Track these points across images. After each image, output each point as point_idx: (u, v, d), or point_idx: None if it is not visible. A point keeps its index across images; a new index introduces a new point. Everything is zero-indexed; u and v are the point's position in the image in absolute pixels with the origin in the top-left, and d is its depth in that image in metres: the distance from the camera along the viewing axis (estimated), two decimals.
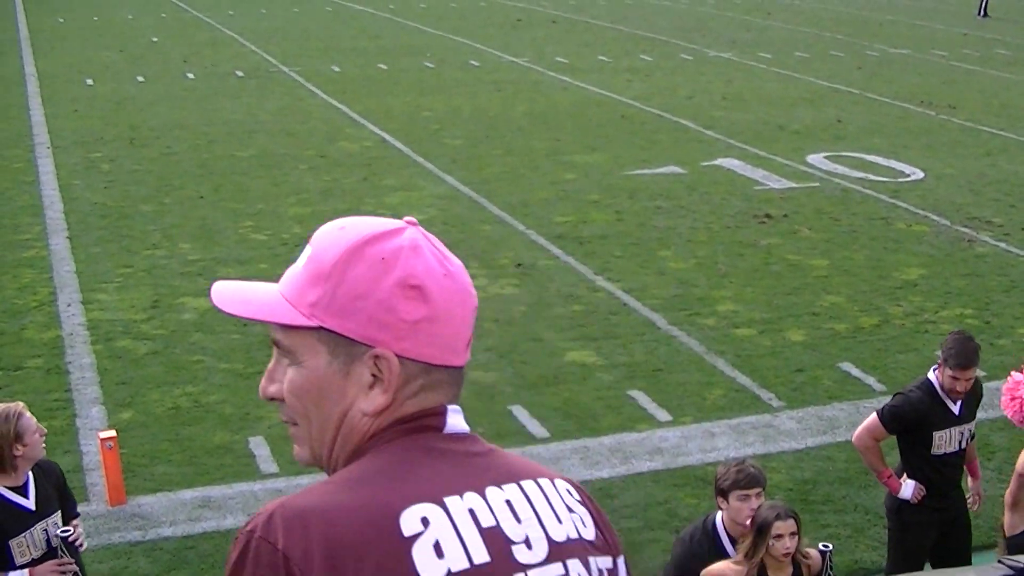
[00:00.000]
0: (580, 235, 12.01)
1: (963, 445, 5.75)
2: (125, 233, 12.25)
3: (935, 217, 12.83)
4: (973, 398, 5.78)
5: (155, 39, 27.49)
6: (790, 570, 4.86)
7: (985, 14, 34.05)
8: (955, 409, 5.69)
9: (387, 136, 16.73)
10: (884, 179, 14.44)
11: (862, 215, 12.89)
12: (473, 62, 23.60)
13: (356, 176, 14.49)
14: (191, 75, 22.15)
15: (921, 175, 14.68)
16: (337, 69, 22.70)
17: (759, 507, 4.87)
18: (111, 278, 10.84)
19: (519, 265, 11.06)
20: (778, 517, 4.75)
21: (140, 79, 21.77)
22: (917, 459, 5.76)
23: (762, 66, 23.44)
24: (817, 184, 14.18)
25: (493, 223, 12.54)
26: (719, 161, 15.19)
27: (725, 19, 32.40)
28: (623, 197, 13.47)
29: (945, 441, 5.68)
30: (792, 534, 4.74)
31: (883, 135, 17.07)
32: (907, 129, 17.67)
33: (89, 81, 21.60)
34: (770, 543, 4.75)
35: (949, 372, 5.60)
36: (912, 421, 5.68)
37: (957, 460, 5.77)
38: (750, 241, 11.87)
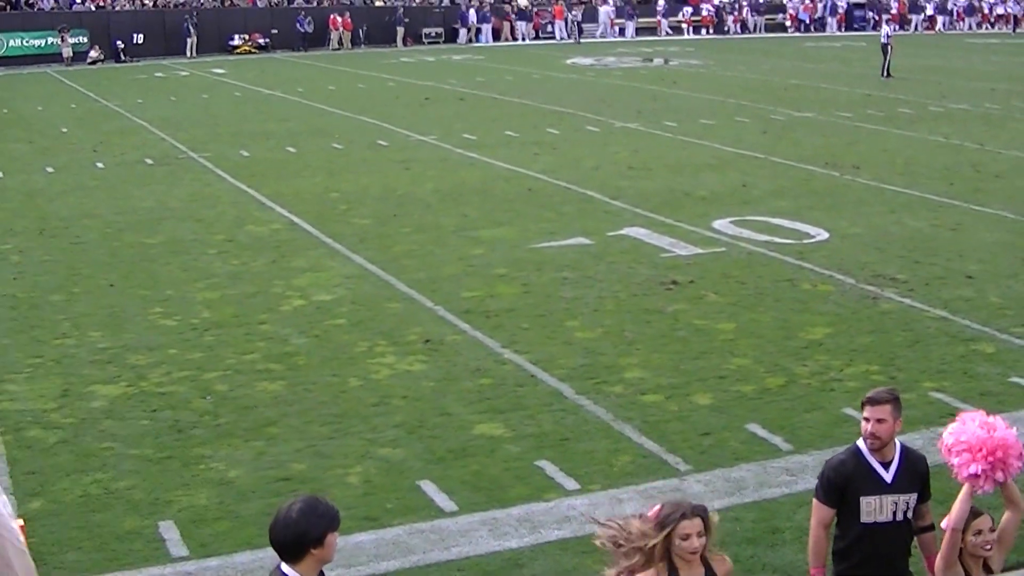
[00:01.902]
0: (487, 309, 12.01)
1: (899, 517, 5.47)
2: (35, 323, 12.11)
3: (840, 276, 12.98)
4: (913, 470, 5.52)
5: (64, 129, 27.34)
6: (701, 570, 4.77)
7: (888, 75, 34.71)
8: (887, 476, 5.46)
9: (295, 218, 16.69)
10: (789, 241, 14.61)
11: (768, 277, 13.01)
12: (381, 142, 23.67)
13: (265, 259, 14.42)
14: (100, 164, 22.01)
15: (826, 235, 14.87)
16: (246, 154, 22.67)
17: (663, 506, 4.78)
18: (20, 368, 10.70)
19: (427, 341, 11.04)
20: (683, 516, 4.67)
21: (49, 169, 21.60)
22: (846, 529, 5.54)
23: (668, 135, 23.72)
24: (723, 249, 14.31)
25: (401, 300, 12.52)
26: (625, 230, 15.29)
27: (631, 90, 32.76)
28: (530, 269, 13.51)
29: (875, 508, 5.44)
30: (699, 534, 4.65)
31: (788, 197, 17.30)
32: (812, 190, 17.92)
33: None
34: (676, 543, 4.66)
35: (862, 416, 5.46)
36: (838, 485, 5.47)
37: (894, 533, 5.50)
38: (657, 308, 11.93)
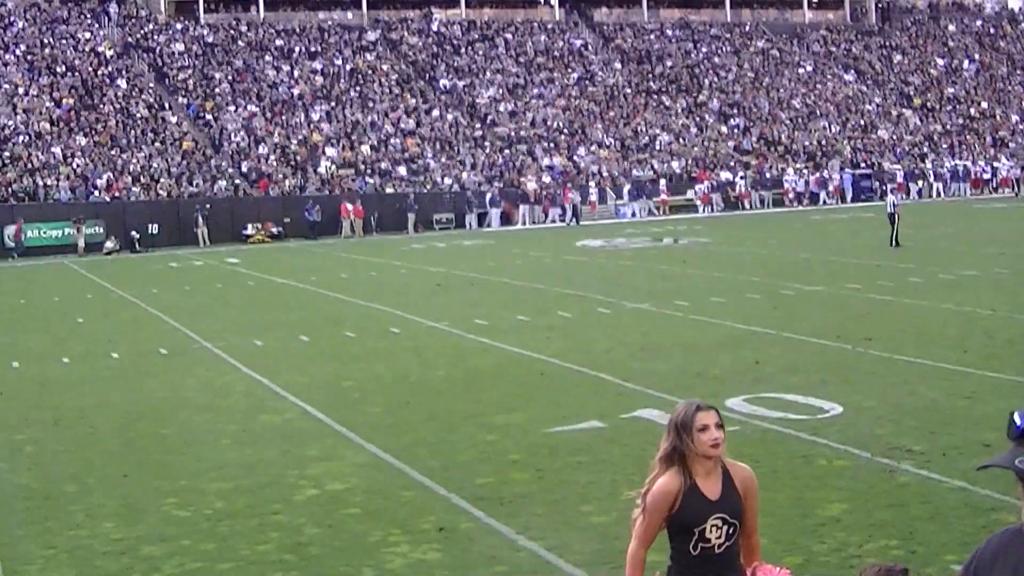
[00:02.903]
0: (501, 495, 11.94)
1: None
2: (48, 514, 12.06)
3: (855, 451, 12.90)
4: None
5: (80, 320, 27.62)
6: (719, 475, 4.56)
7: (897, 244, 35.00)
8: None
9: (309, 407, 16.71)
10: (803, 417, 14.57)
11: (782, 455, 12.94)
12: (393, 329, 23.79)
13: (278, 448, 14.40)
14: (115, 355, 22.17)
15: (840, 410, 14.82)
16: (259, 343, 22.80)
17: (675, 410, 4.63)
18: (34, 559, 10.63)
19: (441, 529, 10.96)
20: (698, 408, 4.50)
21: (65, 360, 21.77)
22: None
23: (679, 314, 23.83)
24: (737, 427, 14.23)
25: (415, 488, 12.45)
26: (638, 412, 15.26)
27: (642, 271, 33.03)
28: (544, 455, 13.46)
29: None
30: (717, 425, 4.48)
31: (801, 373, 17.29)
32: (825, 364, 17.92)
33: (15, 364, 21.60)
34: (697, 439, 4.44)
35: None
36: None
37: None
38: None
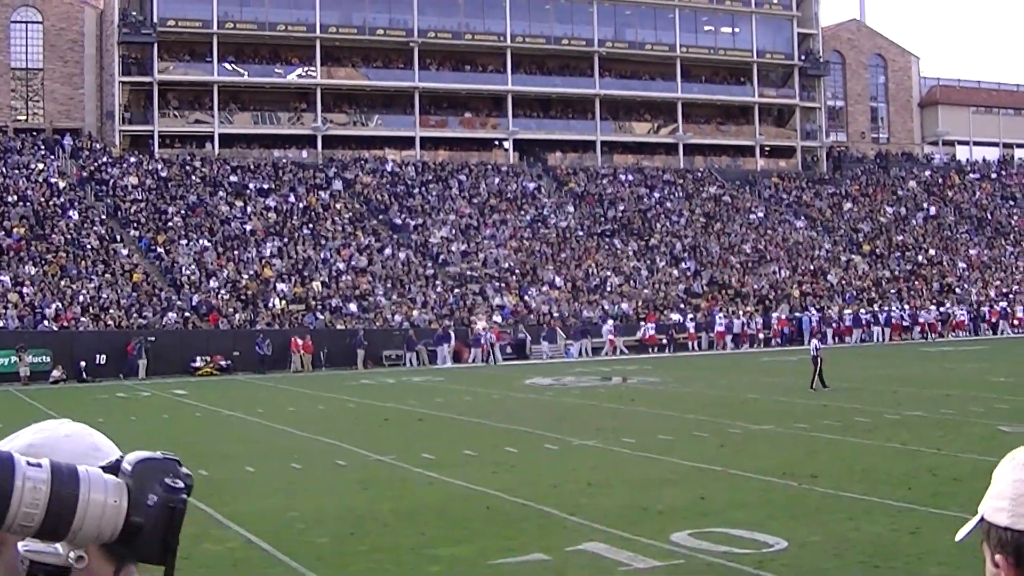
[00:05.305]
0: None
1: None
2: None
3: None
4: None
5: None
6: None
7: (823, 385, 35.28)
8: None
9: (253, 537, 16.54)
10: (748, 551, 14.55)
11: None
12: (340, 462, 23.66)
13: None
14: None
15: (785, 544, 14.82)
16: (205, 473, 22.54)
17: None
18: None
19: None
20: None
21: None
22: None
23: (626, 451, 23.84)
24: (682, 561, 14.23)
25: None
26: (584, 546, 15.19)
27: (589, 408, 33.08)
28: None
29: None
30: None
31: (746, 508, 17.30)
32: (770, 501, 17.95)
33: None
34: None
35: None
36: None
37: None
38: None
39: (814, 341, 39.23)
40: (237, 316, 58.77)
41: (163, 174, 72.50)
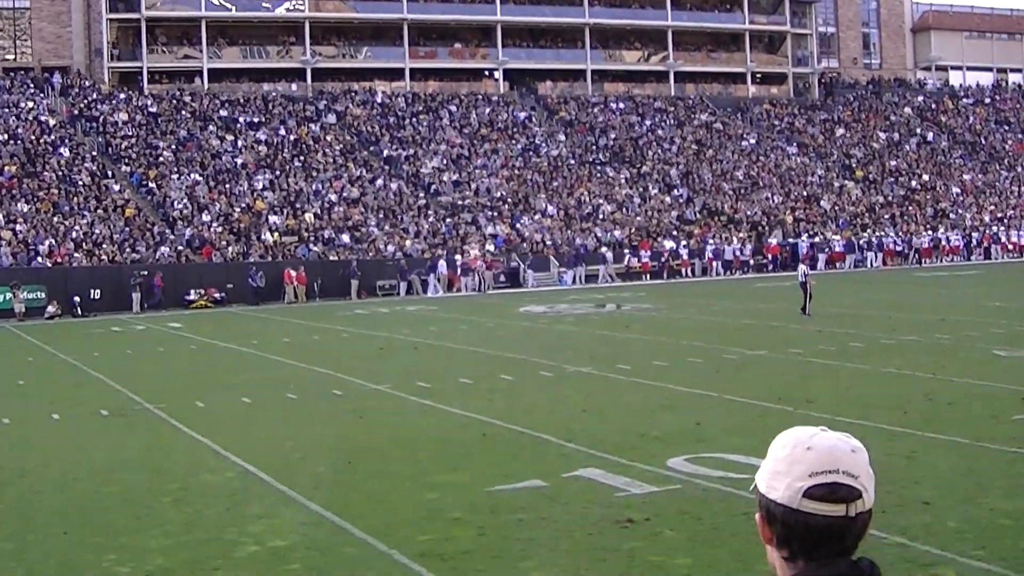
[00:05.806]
0: (443, 552, 11.90)
1: None
2: None
3: None
4: None
5: (21, 382, 27.37)
6: None
7: (807, 314, 35.28)
8: None
9: (250, 467, 16.58)
10: (744, 476, 14.60)
11: (724, 512, 12.98)
12: (336, 391, 23.72)
13: (219, 507, 14.29)
14: (56, 416, 21.94)
15: None
16: (201, 405, 22.66)
17: None
18: None
19: None
20: None
21: (5, 421, 21.54)
22: None
23: (621, 377, 23.90)
24: (679, 486, 14.30)
25: (356, 545, 12.39)
26: (580, 472, 15.26)
27: (584, 336, 33.13)
28: (485, 513, 13.43)
29: None
30: None
31: (743, 434, 17.35)
32: (766, 427, 17.96)
33: None
34: None
35: None
36: None
37: None
38: (613, 546, 11.85)
39: (802, 267, 39.19)
40: (230, 249, 58.67)
41: (153, 110, 72.15)
